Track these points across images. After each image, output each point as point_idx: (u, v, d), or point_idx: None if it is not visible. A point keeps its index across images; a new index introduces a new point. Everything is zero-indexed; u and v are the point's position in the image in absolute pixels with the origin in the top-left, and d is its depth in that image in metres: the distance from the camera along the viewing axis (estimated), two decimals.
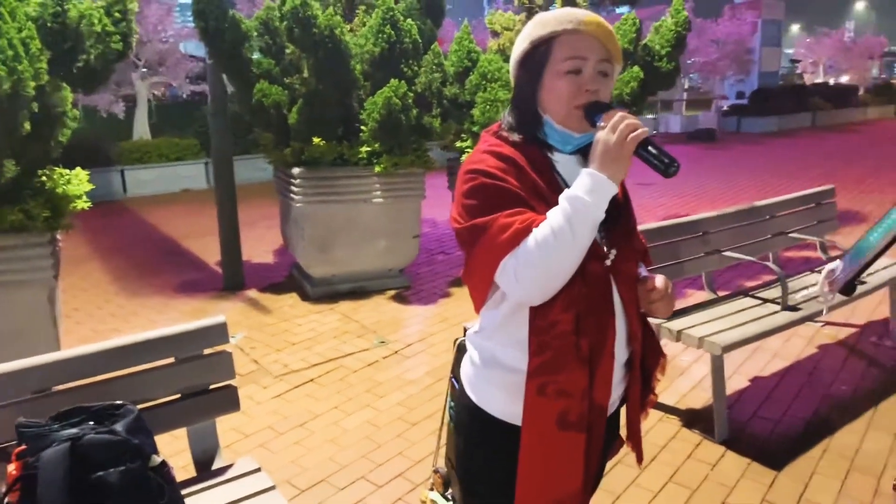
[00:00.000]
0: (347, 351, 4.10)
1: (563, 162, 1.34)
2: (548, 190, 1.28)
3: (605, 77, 1.30)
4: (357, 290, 5.19)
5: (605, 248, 1.31)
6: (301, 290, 5.27)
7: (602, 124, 1.23)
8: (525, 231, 1.21)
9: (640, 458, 1.57)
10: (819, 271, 3.92)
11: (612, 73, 1.31)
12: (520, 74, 1.35)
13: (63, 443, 1.47)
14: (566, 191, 1.23)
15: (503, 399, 1.35)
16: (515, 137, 1.33)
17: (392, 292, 5.22)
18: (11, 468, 1.49)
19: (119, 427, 1.56)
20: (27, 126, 2.81)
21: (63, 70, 3.13)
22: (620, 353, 1.36)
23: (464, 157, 5.40)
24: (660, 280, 1.37)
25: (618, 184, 1.22)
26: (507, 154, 1.29)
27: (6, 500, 1.46)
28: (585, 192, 1.20)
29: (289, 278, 5.67)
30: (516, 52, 1.35)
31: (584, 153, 1.34)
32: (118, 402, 1.68)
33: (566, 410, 1.28)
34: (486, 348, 1.39)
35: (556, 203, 1.25)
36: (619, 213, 1.35)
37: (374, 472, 2.83)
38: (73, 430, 1.52)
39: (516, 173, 1.27)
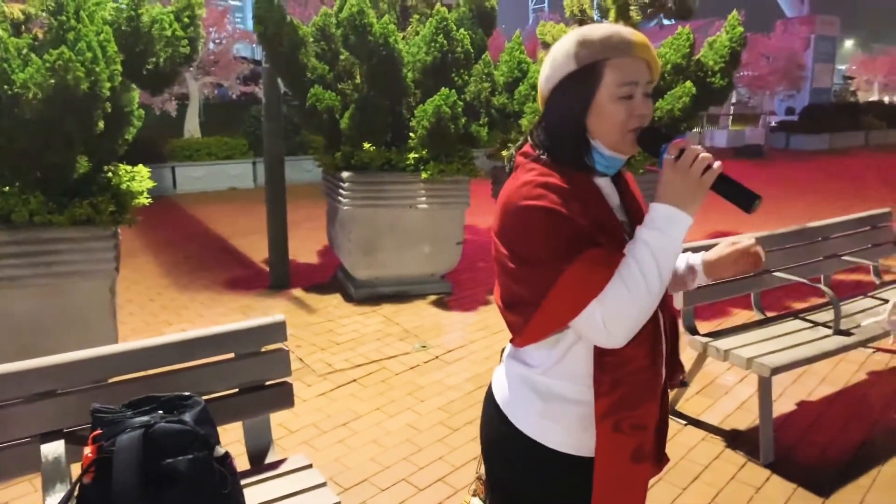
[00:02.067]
0: (390, 353, 4.16)
1: (602, 184, 1.30)
2: (605, 219, 1.24)
3: (649, 98, 1.26)
4: (399, 293, 5.26)
5: None
6: (344, 292, 5.37)
7: (669, 157, 1.18)
8: (610, 274, 1.16)
9: (666, 459, 1.52)
10: (873, 296, 3.84)
11: (649, 91, 1.28)
12: (562, 95, 1.26)
13: (137, 429, 1.55)
14: (643, 227, 1.19)
15: (561, 431, 1.30)
16: (559, 163, 1.26)
17: (433, 297, 5.27)
18: (87, 451, 1.57)
19: (188, 417, 1.63)
20: (101, 124, 2.94)
21: (134, 72, 3.27)
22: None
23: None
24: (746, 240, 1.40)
25: (693, 217, 1.19)
26: (562, 185, 1.21)
27: (82, 480, 1.54)
28: (666, 228, 1.17)
29: (333, 279, 5.77)
30: (559, 71, 1.25)
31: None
32: (186, 393, 1.76)
33: (641, 444, 1.25)
34: (538, 381, 1.32)
35: (616, 232, 1.22)
36: None
37: (415, 474, 2.87)
38: (146, 418, 1.60)
39: (577, 206, 1.20)
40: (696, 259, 1.46)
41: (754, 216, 1.52)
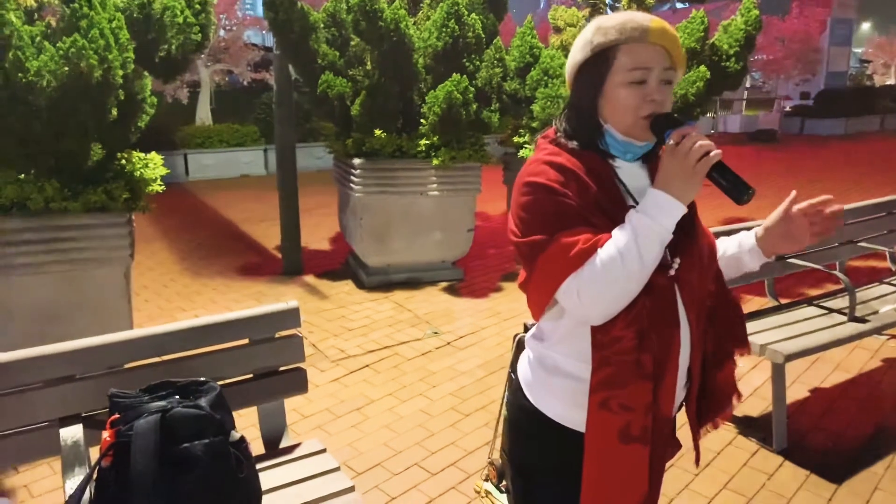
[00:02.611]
0: (401, 339, 4.18)
1: (624, 168, 1.30)
2: (610, 202, 1.25)
3: (668, 84, 1.26)
4: (411, 280, 5.27)
5: (669, 258, 1.27)
6: (356, 278, 5.39)
7: (671, 142, 1.18)
8: (590, 251, 1.19)
9: (697, 460, 1.55)
10: (889, 283, 3.81)
11: (674, 79, 1.27)
12: (579, 81, 1.31)
13: (153, 414, 1.57)
14: (632, 211, 1.20)
15: (564, 405, 1.35)
16: (573, 145, 1.29)
17: (444, 284, 5.28)
18: (105, 435, 1.59)
19: (203, 402, 1.65)
20: (114, 112, 2.95)
21: (146, 59, 3.28)
22: (683, 361, 1.33)
23: (521, 154, 5.40)
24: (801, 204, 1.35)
25: (687, 205, 1.20)
26: (567, 165, 1.25)
27: (101, 464, 1.57)
28: (654, 214, 1.18)
29: (345, 266, 5.79)
30: (575, 57, 1.30)
31: (645, 158, 1.33)
32: (202, 378, 1.77)
33: (628, 424, 1.26)
34: (547, 355, 1.38)
35: (619, 215, 1.22)
36: (683, 220, 1.29)
37: (427, 459, 2.89)
38: (162, 403, 1.62)
39: (577, 186, 1.23)
40: (750, 236, 1.44)
41: (768, 201, 1.49)
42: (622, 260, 1.17)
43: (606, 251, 1.18)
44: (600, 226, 1.22)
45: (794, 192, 1.37)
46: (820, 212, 1.36)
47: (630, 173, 1.31)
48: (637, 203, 1.26)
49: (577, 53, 1.29)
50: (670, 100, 1.27)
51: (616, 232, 1.20)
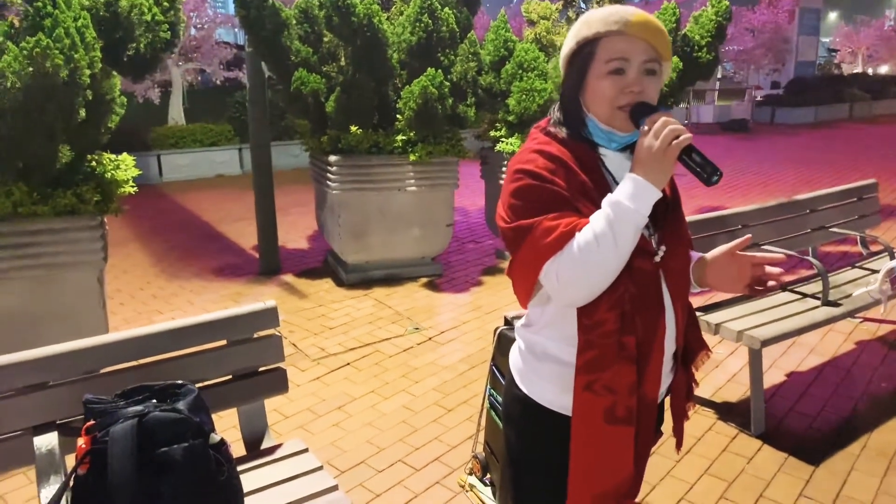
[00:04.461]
0: (382, 336, 4.16)
1: (611, 157, 1.34)
2: (596, 190, 1.28)
3: (653, 75, 1.28)
4: (390, 276, 5.25)
5: (655, 245, 1.31)
6: (335, 276, 5.36)
7: (645, 128, 1.22)
8: (569, 235, 1.22)
9: (679, 445, 1.59)
10: (860, 267, 3.88)
11: (660, 70, 1.30)
12: (567, 73, 1.35)
13: (130, 419, 1.54)
14: (609, 196, 1.23)
15: (554, 391, 1.37)
16: (563, 134, 1.33)
17: (424, 280, 5.27)
18: (81, 442, 1.56)
19: (181, 405, 1.62)
20: (82, 113, 2.89)
21: (114, 58, 3.21)
22: (669, 346, 1.37)
23: (498, 147, 5.41)
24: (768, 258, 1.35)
25: (661, 188, 1.22)
26: (556, 153, 1.29)
27: (77, 471, 1.54)
28: (628, 198, 1.21)
29: (323, 264, 5.75)
30: (564, 49, 1.36)
31: (632, 149, 1.34)
32: (179, 381, 1.75)
33: (613, 406, 1.29)
34: (536, 342, 1.41)
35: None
36: (667, 208, 1.35)
37: (411, 455, 2.89)
38: (139, 408, 1.59)
39: (564, 173, 1.27)
40: (693, 256, 1.46)
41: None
42: (598, 243, 1.20)
43: (583, 235, 1.22)
44: (587, 213, 1.26)
45: (748, 236, 1.40)
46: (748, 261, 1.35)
47: (616, 162, 1.34)
48: None
49: (566, 45, 1.34)
50: (655, 91, 1.30)
51: (593, 217, 1.23)
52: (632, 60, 1.26)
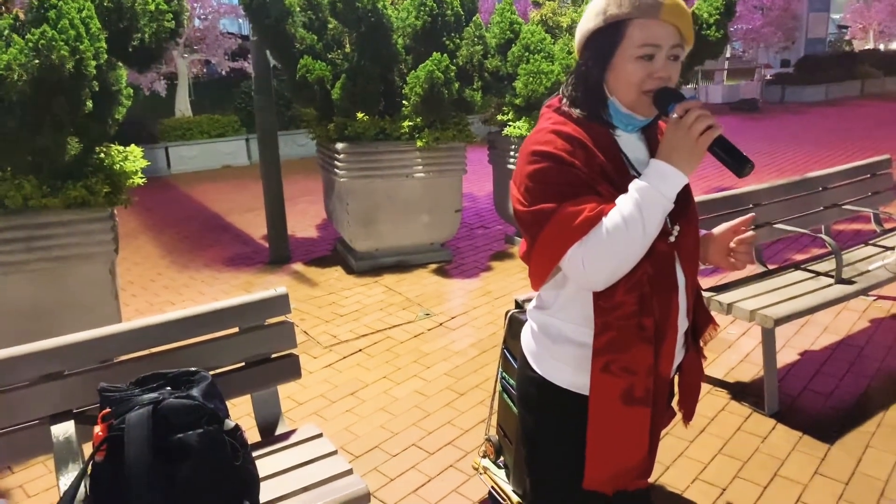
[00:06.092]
0: (393, 323, 4.17)
1: (625, 138, 1.33)
2: (614, 171, 1.27)
3: (675, 60, 1.27)
4: (400, 263, 5.25)
5: (670, 225, 1.31)
6: (345, 264, 5.36)
7: (675, 115, 1.21)
8: (595, 219, 1.21)
9: (688, 419, 1.59)
10: (874, 244, 3.84)
11: (682, 55, 1.29)
12: (587, 50, 1.32)
13: (145, 406, 1.56)
14: (636, 180, 1.23)
15: (570, 371, 1.37)
16: (578, 113, 1.31)
17: (434, 266, 5.27)
18: (97, 430, 1.57)
19: (195, 392, 1.64)
20: (89, 104, 2.89)
21: (119, 49, 3.21)
22: (682, 324, 1.38)
23: (505, 131, 5.37)
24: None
25: (689, 176, 1.23)
26: (574, 134, 1.27)
27: (94, 458, 1.55)
28: (658, 184, 1.21)
29: (333, 252, 5.76)
30: (587, 25, 1.31)
31: (643, 129, 1.35)
32: (193, 368, 1.76)
33: (631, 387, 1.29)
34: (550, 324, 1.40)
35: (623, 184, 1.24)
36: (681, 189, 1.35)
37: (424, 439, 2.90)
38: (154, 395, 1.61)
39: (583, 155, 1.25)
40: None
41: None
42: (626, 228, 1.20)
43: (611, 219, 1.21)
44: (606, 195, 1.25)
45: (751, 214, 1.46)
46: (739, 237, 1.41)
47: (630, 144, 1.34)
48: (638, 173, 1.29)
49: (590, 21, 1.29)
50: (677, 75, 1.30)
51: (620, 201, 1.23)
52: (662, 46, 1.24)
